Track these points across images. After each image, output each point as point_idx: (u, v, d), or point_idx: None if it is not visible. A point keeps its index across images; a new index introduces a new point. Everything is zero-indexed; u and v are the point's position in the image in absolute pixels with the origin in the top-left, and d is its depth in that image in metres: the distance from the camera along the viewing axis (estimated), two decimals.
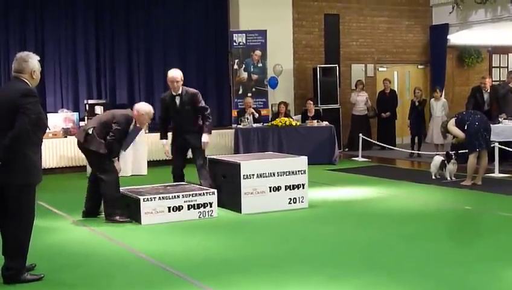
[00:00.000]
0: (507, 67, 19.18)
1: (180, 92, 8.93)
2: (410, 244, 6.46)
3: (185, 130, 8.92)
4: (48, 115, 12.56)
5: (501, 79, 18.78)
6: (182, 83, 8.99)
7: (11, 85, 5.50)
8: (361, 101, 15.76)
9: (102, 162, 7.91)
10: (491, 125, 10.46)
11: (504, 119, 12.41)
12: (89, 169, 11.93)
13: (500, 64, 19.21)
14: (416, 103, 14.36)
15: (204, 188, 8.29)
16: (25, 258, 5.32)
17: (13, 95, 5.21)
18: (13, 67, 5.41)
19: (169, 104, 8.99)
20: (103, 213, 7.90)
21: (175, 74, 8.95)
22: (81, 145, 8.09)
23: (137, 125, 8.38)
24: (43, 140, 5.54)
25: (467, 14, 16.56)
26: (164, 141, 9.14)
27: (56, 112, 13.23)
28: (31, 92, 5.27)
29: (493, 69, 19.02)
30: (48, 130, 12.03)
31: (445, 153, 11.10)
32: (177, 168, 9.15)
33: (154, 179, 10.90)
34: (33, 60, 5.42)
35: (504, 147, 11.31)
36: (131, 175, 11.99)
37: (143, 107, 8.29)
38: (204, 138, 8.87)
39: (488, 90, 13.28)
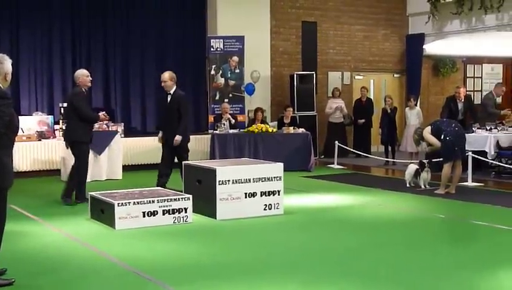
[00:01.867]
0: (481, 77, 19.42)
1: (171, 91, 10.04)
2: (384, 251, 6.48)
3: (168, 126, 10.01)
4: (22, 117, 12.49)
5: (475, 89, 19.02)
6: (170, 83, 10.06)
7: None
8: (336, 107, 15.78)
9: None
10: (466, 134, 10.56)
11: (477, 128, 12.55)
12: (63, 172, 11.90)
13: (474, 74, 19.43)
14: (388, 111, 14.47)
15: (180, 193, 8.25)
16: None
17: None
18: None
19: (162, 100, 10.37)
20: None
21: (163, 74, 10.16)
22: None
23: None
24: (15, 143, 5.47)
25: (442, 24, 16.75)
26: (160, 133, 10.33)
27: (30, 114, 13.11)
28: (4, 94, 5.20)
29: (468, 79, 19.23)
30: (21, 133, 11.93)
31: (419, 161, 11.18)
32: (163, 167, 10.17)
33: (129, 184, 10.86)
34: (8, 63, 5.34)
35: (477, 156, 11.42)
36: (106, 179, 11.93)
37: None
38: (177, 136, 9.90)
39: (462, 100, 13.41)
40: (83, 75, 9.43)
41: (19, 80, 13.59)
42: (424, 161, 10.89)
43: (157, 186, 9.53)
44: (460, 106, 13.36)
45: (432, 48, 17.36)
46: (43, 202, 9.63)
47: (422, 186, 10.66)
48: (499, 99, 14.34)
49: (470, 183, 11.09)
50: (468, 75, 19.29)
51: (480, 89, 19.27)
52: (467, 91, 14.81)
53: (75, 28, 14.33)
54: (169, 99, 10.03)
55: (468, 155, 11.01)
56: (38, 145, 12.29)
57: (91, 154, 11.59)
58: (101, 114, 9.68)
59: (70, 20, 14.26)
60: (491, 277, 5.53)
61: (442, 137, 10.07)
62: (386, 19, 17.64)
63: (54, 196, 9.90)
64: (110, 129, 12.32)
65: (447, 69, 18.26)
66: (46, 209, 8.92)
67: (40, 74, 13.94)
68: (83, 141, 9.32)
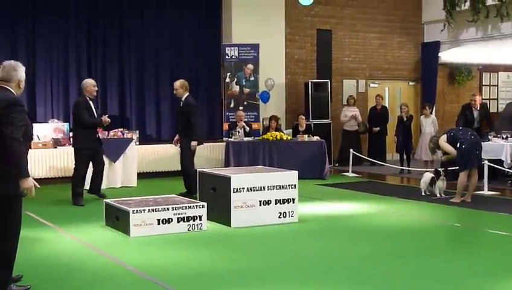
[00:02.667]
0: (497, 85, 19.31)
1: (183, 98, 10.67)
2: (399, 260, 6.45)
3: (181, 132, 10.81)
4: (38, 125, 12.59)
5: (491, 97, 18.91)
6: (181, 90, 10.70)
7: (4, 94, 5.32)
8: (350, 115, 15.75)
9: None
10: (482, 143, 10.50)
11: (493, 137, 12.47)
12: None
13: (490, 82, 19.31)
14: (404, 119, 14.43)
15: (195, 201, 8.26)
16: (11, 269, 5.26)
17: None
18: (3, 75, 5.29)
19: (178, 107, 11.05)
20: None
21: (175, 83, 10.88)
22: None
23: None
24: (30, 150, 5.50)
25: (458, 32, 16.68)
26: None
27: (46, 122, 13.17)
28: (17, 102, 5.18)
29: (483, 87, 19.12)
30: (37, 140, 12.01)
31: (434, 169, 11.12)
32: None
33: (144, 191, 10.89)
34: (21, 70, 5.35)
35: (493, 165, 11.35)
36: (121, 187, 11.95)
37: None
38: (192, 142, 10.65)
39: (478, 108, 13.34)
40: (90, 84, 10.23)
41: (35, 87, 13.68)
42: (440, 169, 10.83)
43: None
44: (476, 114, 13.30)
45: (448, 55, 17.29)
46: (58, 209, 9.67)
47: (438, 195, 10.61)
48: None
49: (485, 192, 11.02)
50: (484, 83, 19.18)
51: (496, 97, 19.15)
52: (482, 99, 14.73)
53: (91, 37, 14.38)
54: (181, 105, 10.77)
55: (484, 164, 10.94)
56: (54, 153, 12.34)
57: (106, 162, 11.72)
58: (103, 117, 10.29)
59: (87, 29, 14.32)
60: (506, 286, 5.48)
61: (458, 145, 10.02)
62: (401, 27, 17.59)
63: (69, 203, 9.95)
64: (125, 137, 12.36)
65: (463, 77, 18.17)
66: (61, 216, 8.95)
67: (56, 81, 14.00)
68: (80, 147, 10.06)
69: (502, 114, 14.36)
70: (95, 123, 10.19)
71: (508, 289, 5.41)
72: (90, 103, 10.18)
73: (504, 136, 12.48)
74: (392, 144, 15.94)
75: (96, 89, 10.36)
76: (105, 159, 11.73)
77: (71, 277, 5.86)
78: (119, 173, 12.04)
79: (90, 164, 10.35)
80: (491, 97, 18.98)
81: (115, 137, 12.26)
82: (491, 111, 16.54)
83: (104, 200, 8.48)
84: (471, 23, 15.81)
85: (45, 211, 9.17)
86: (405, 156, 14.50)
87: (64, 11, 14.05)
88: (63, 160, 12.30)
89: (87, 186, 10.59)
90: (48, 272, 6.02)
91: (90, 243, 7.22)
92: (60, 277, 5.86)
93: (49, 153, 12.30)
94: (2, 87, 5.26)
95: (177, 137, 11.15)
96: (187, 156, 10.76)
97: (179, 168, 13.20)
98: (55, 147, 12.40)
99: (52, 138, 12.48)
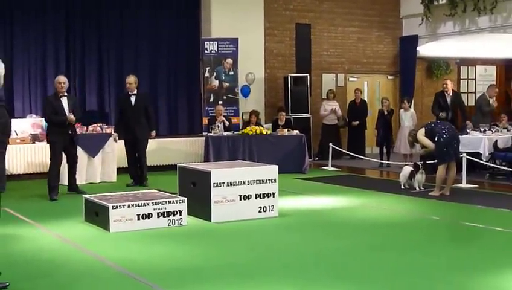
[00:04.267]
0: (475, 79, 19.47)
1: (135, 92, 11.40)
2: (379, 253, 6.49)
3: (137, 125, 11.36)
4: (16, 120, 12.47)
5: (469, 90, 19.08)
6: (135, 85, 11.42)
7: None
8: (330, 109, 15.79)
9: None
10: (459, 136, 10.59)
11: (472, 130, 12.58)
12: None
13: (468, 76, 19.48)
14: (385, 113, 14.51)
15: (175, 196, 8.25)
16: None
17: None
18: None
19: (125, 102, 11.50)
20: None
21: (130, 78, 11.50)
22: None
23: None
24: (8, 146, 5.46)
25: (435, 26, 16.79)
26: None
27: (24, 117, 13.06)
28: None
29: (461, 80, 19.28)
30: (15, 136, 11.90)
31: (413, 163, 11.19)
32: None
33: (124, 187, 10.87)
34: (2, 67, 5.32)
35: (472, 158, 11.44)
36: (100, 182, 11.90)
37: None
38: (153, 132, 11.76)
39: (450, 94, 13.40)
40: (56, 81, 10.31)
41: (13, 83, 13.57)
42: (419, 162, 10.90)
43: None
44: (449, 99, 13.37)
45: (426, 49, 17.40)
46: (37, 204, 9.61)
47: (417, 188, 10.68)
48: (492, 101, 14.33)
49: (464, 185, 11.11)
50: (461, 77, 19.35)
51: (474, 90, 19.33)
52: (461, 92, 14.86)
53: (69, 30, 14.30)
54: (134, 99, 11.32)
55: (462, 157, 11.04)
56: (32, 148, 12.24)
57: (85, 157, 11.71)
58: (68, 115, 10.09)
59: (65, 22, 14.24)
60: (485, 279, 5.53)
61: (436, 139, 10.09)
62: (380, 21, 17.67)
63: (48, 199, 9.88)
64: (104, 132, 12.29)
65: (441, 70, 18.31)
66: (40, 212, 8.89)
67: (33, 77, 13.90)
68: (52, 140, 10.16)
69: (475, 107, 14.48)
70: (58, 120, 10.08)
71: (486, 281, 5.47)
72: (62, 99, 10.14)
73: (482, 130, 12.60)
74: (371, 137, 16.03)
75: (64, 85, 10.18)
76: (84, 154, 11.72)
77: (51, 273, 5.82)
78: (99, 168, 11.98)
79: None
80: (468, 90, 19.16)
81: (94, 132, 12.18)
82: (468, 105, 16.72)
83: (84, 195, 8.43)
84: (449, 17, 15.93)
85: (24, 207, 9.10)
86: (385, 150, 14.58)
87: (42, 6, 13.93)
88: (41, 155, 12.20)
89: (65, 181, 10.60)
90: (27, 268, 5.97)
91: (69, 239, 7.18)
92: (39, 273, 5.81)
93: (27, 148, 12.20)
94: None
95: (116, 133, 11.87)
96: (146, 146, 11.56)
97: (159, 163, 13.24)
98: (34, 142, 12.30)
99: (31, 134, 12.38)
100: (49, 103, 10.24)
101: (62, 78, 10.27)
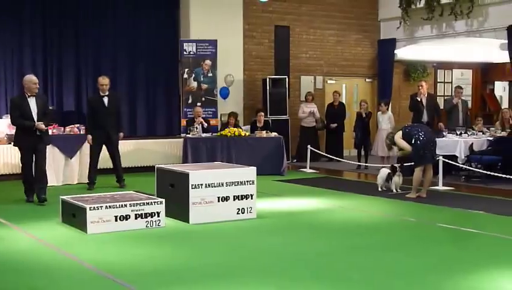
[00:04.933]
0: (451, 82, 19.65)
1: (107, 93, 11.22)
2: (356, 255, 6.53)
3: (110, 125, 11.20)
4: None
5: (445, 94, 19.25)
6: (108, 86, 11.27)
7: None
8: (308, 111, 15.84)
9: None
10: (436, 139, 10.68)
11: (448, 133, 12.70)
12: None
13: (445, 79, 19.68)
14: (363, 115, 14.59)
15: (152, 197, 8.22)
16: None
17: None
18: None
19: (97, 102, 11.33)
20: None
21: (105, 79, 11.39)
22: None
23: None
24: None
25: (413, 30, 16.91)
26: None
27: (0, 117, 12.93)
28: None
29: (438, 84, 19.45)
30: None
31: (390, 165, 11.27)
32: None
33: (101, 188, 10.80)
34: None
35: (448, 161, 11.55)
36: (78, 183, 11.83)
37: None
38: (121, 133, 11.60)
39: (426, 96, 13.52)
40: (29, 81, 9.61)
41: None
42: (396, 165, 10.98)
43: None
44: (424, 101, 13.49)
45: (403, 53, 17.53)
46: (13, 206, 9.52)
47: (394, 191, 10.76)
48: (456, 101, 14.31)
49: (440, 187, 11.21)
50: (438, 80, 19.52)
51: (450, 94, 19.47)
52: (435, 93, 14.95)
53: (46, 30, 14.18)
54: (107, 100, 11.22)
55: (438, 159, 11.13)
56: (8, 149, 12.10)
57: (62, 158, 11.62)
58: (37, 124, 9.46)
59: (41, 22, 14.11)
60: (461, 280, 5.59)
61: (413, 141, 10.17)
62: (358, 24, 17.77)
63: (24, 200, 9.79)
64: (81, 133, 12.21)
65: (418, 74, 18.44)
66: (16, 213, 8.81)
67: (10, 77, 13.77)
68: (18, 145, 9.80)
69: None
70: (24, 125, 9.51)
71: (462, 283, 5.52)
72: (29, 100, 9.50)
73: (458, 132, 12.72)
74: (349, 140, 16.10)
75: (37, 86, 9.63)
76: (61, 155, 11.64)
77: (27, 275, 5.77)
78: (76, 169, 11.91)
79: None
80: (445, 94, 19.33)
81: (72, 133, 12.10)
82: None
83: (61, 196, 8.34)
84: (426, 21, 16.05)
85: (0, 208, 9.01)
86: (363, 152, 14.66)
87: (19, 5, 13.82)
88: (17, 156, 12.03)
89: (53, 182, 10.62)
90: (2, 271, 5.92)
91: (46, 241, 7.13)
92: (15, 275, 5.77)
93: (3, 149, 12.08)
94: None
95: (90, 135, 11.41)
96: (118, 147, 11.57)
97: (137, 164, 13.18)
98: (10, 143, 12.14)
99: (6, 134, 12.24)
100: (15, 106, 9.55)
101: (35, 78, 9.71)
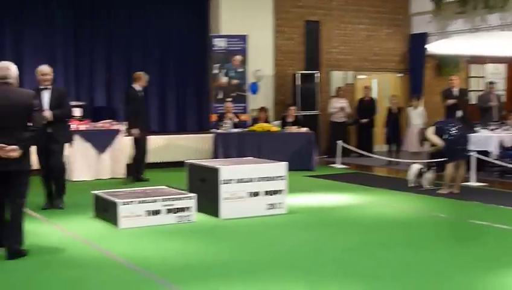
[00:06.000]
0: (484, 77, 19.39)
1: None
2: (387, 251, 6.49)
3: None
4: None
5: (478, 89, 19.00)
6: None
7: (14, 90, 6.28)
8: (339, 106, 15.77)
9: None
10: (469, 134, 10.56)
11: (481, 128, 12.54)
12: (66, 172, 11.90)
13: (477, 74, 19.39)
14: (394, 111, 14.47)
15: (183, 192, 8.26)
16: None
17: (25, 97, 6.24)
18: (2, 74, 6.19)
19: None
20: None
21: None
22: None
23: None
24: None
25: (445, 24, 16.71)
26: None
27: None
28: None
29: (471, 78, 19.20)
30: None
31: (422, 161, 11.17)
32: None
33: (133, 183, 10.89)
34: (14, 67, 6.32)
35: (481, 156, 11.41)
36: (109, 178, 11.92)
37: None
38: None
39: (457, 90, 13.34)
40: (39, 72, 8.62)
41: (23, 83, 13.60)
42: (429, 160, 10.88)
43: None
44: (456, 94, 13.32)
45: (435, 47, 17.33)
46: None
47: (426, 186, 10.66)
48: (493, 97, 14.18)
49: (473, 183, 11.09)
50: (471, 75, 19.27)
51: (483, 88, 19.22)
52: (469, 90, 14.77)
53: (78, 27, 14.33)
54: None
55: (471, 155, 11.01)
56: None
57: (94, 153, 11.75)
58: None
59: (73, 19, 14.28)
60: (493, 277, 5.53)
61: (445, 137, 10.07)
62: (389, 18, 17.62)
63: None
64: (112, 128, 12.32)
65: (450, 68, 18.21)
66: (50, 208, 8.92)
67: None
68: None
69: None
70: None
71: (494, 281, 5.46)
72: (43, 93, 8.41)
73: (491, 128, 12.55)
74: (380, 135, 15.98)
75: (48, 77, 8.54)
76: (93, 150, 11.76)
77: (60, 269, 5.85)
78: (107, 164, 12.01)
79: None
80: (478, 89, 19.06)
81: (103, 128, 12.21)
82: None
83: (92, 191, 8.43)
84: (459, 15, 15.86)
85: (33, 203, 9.12)
86: (394, 148, 14.55)
87: (50, 4, 14.00)
88: None
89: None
90: (37, 264, 6.01)
91: (79, 235, 7.21)
92: (49, 269, 5.85)
93: None
94: (7, 83, 6.22)
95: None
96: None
97: (167, 160, 13.24)
98: None
99: None
100: None
101: (46, 69, 8.60)
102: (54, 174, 8.65)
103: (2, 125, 6.06)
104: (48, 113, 8.22)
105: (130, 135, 11.39)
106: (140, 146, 11.41)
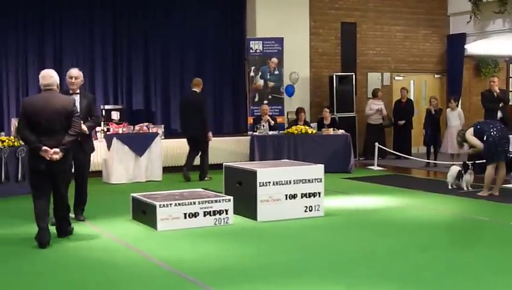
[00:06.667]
0: None
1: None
2: (426, 254, 6.42)
3: None
4: None
5: None
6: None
7: (57, 96, 6.99)
8: (375, 108, 15.66)
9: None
10: (509, 136, 10.38)
11: None
12: (104, 174, 12.04)
13: None
14: (433, 112, 14.32)
15: (221, 195, 8.28)
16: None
17: (67, 103, 6.87)
18: (45, 82, 6.94)
19: None
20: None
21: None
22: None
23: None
24: None
25: (484, 24, 16.50)
26: None
27: None
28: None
29: (511, 79, 18.89)
30: None
31: (462, 163, 11.03)
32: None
33: (169, 185, 10.95)
34: (55, 74, 7.12)
35: None
36: (146, 181, 12.01)
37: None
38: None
39: (498, 92, 13.08)
40: (67, 76, 8.23)
41: (62, 83, 13.79)
42: (468, 162, 10.73)
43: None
44: (498, 95, 13.08)
45: (474, 48, 17.11)
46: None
47: (465, 188, 10.52)
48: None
49: None
50: (511, 75, 18.96)
51: None
52: (507, 88, 14.51)
53: (116, 31, 14.50)
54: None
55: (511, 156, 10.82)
56: None
57: (132, 156, 11.85)
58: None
59: (111, 22, 14.45)
60: None
61: (485, 138, 9.92)
62: (427, 19, 17.45)
63: (95, 197, 9.99)
64: (150, 131, 12.42)
65: (489, 69, 17.95)
66: (89, 210, 8.98)
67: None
68: None
69: None
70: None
71: None
72: (73, 98, 7.58)
73: None
74: (417, 137, 15.83)
75: (76, 81, 8.08)
76: (131, 153, 11.86)
77: (101, 270, 5.91)
78: (145, 167, 12.09)
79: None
80: None
81: (141, 132, 12.32)
82: None
83: (131, 194, 8.49)
84: (498, 15, 15.64)
85: (72, 205, 9.23)
86: (432, 149, 14.40)
87: (89, 8, 14.19)
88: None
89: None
90: (77, 265, 6.09)
91: (117, 237, 7.28)
92: (90, 270, 5.92)
93: None
94: (52, 90, 6.97)
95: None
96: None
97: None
98: None
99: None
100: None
101: (74, 72, 8.16)
102: (78, 189, 8.18)
103: (46, 128, 6.70)
104: (84, 127, 7.63)
105: (208, 139, 12.19)
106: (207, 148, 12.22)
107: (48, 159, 6.67)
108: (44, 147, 6.66)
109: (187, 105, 12.28)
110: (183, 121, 12.47)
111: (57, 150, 6.69)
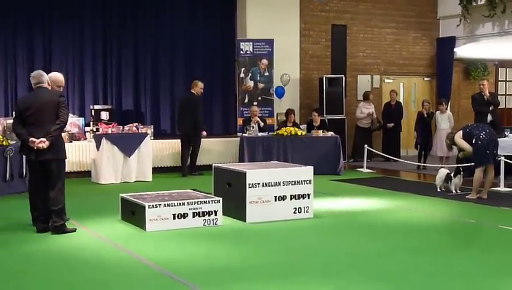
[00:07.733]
0: None
1: None
2: (415, 256, 6.43)
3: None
4: None
5: (507, 93, 18.81)
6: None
7: (46, 90, 7.30)
8: (366, 112, 15.70)
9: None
10: (498, 139, 10.42)
11: (510, 133, 12.38)
12: (93, 174, 12.00)
13: (506, 78, 19.19)
14: (425, 115, 14.34)
15: (210, 196, 8.27)
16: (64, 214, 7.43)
17: (54, 95, 7.23)
18: (35, 81, 7.26)
19: None
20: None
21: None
22: None
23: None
24: None
25: (474, 27, 16.58)
26: None
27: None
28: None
29: (499, 82, 19.00)
30: None
31: (451, 166, 11.05)
32: None
33: (159, 186, 10.93)
34: (44, 74, 7.41)
35: (510, 161, 11.27)
36: (136, 181, 11.97)
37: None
38: None
39: (488, 95, 13.11)
40: (53, 81, 7.65)
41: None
42: (460, 167, 10.76)
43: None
44: (487, 98, 13.11)
45: (463, 51, 17.19)
46: (74, 203, 9.66)
47: (454, 191, 10.56)
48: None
49: (502, 188, 10.95)
50: (499, 79, 19.07)
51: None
52: (496, 92, 14.55)
53: (106, 31, 14.47)
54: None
55: (500, 160, 10.87)
56: (69, 147, 12.33)
57: (121, 156, 11.81)
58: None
59: (102, 23, 14.43)
60: None
61: (473, 141, 9.96)
62: (417, 22, 17.51)
63: (84, 197, 10.00)
64: (139, 131, 12.39)
65: (478, 72, 18.05)
66: (77, 210, 8.97)
67: (71, 77, 14.07)
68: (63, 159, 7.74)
69: None
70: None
71: None
72: None
73: None
74: (406, 139, 15.88)
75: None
76: (120, 153, 11.82)
77: (88, 271, 5.88)
78: (134, 167, 12.06)
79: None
80: (507, 93, 18.88)
81: (130, 132, 12.29)
82: (507, 107, 16.46)
83: (120, 194, 8.46)
84: (488, 18, 15.71)
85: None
86: (423, 152, 14.44)
87: (79, 10, 14.15)
88: (77, 154, 12.37)
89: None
90: (65, 265, 6.06)
91: (106, 237, 7.25)
92: (77, 270, 5.89)
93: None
94: (42, 87, 7.26)
95: None
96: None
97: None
98: (71, 141, 12.43)
99: (68, 132, 12.52)
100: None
101: (54, 75, 7.76)
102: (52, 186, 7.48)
103: (36, 121, 7.13)
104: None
105: (202, 137, 12.94)
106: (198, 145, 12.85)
107: (36, 148, 7.07)
108: (32, 139, 7.08)
109: (182, 105, 13.19)
110: (178, 119, 13.25)
111: (43, 139, 7.07)
